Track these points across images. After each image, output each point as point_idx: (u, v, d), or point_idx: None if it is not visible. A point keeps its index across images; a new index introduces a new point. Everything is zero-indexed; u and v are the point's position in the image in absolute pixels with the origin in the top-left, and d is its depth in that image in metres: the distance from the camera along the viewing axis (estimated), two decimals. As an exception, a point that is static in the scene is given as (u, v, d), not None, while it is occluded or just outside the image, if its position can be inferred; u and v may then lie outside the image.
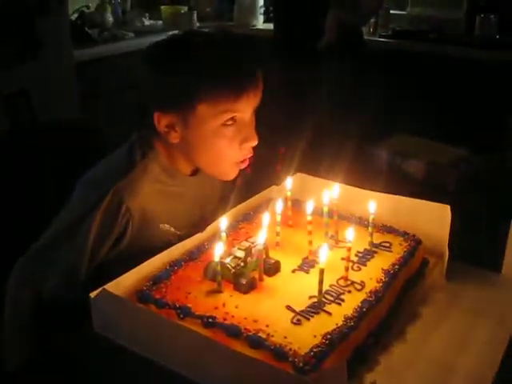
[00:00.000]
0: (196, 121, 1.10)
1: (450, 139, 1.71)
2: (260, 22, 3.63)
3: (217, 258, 0.96)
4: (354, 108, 2.92)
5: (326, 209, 1.14)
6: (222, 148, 1.13)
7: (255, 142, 1.14)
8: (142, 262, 1.00)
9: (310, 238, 1.09)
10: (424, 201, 1.20)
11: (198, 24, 3.48)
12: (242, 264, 1.00)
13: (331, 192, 1.17)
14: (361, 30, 2.92)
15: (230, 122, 1.11)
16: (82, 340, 0.97)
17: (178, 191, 1.21)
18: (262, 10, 3.66)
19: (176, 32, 1.24)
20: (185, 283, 0.99)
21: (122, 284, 0.96)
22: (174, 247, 1.07)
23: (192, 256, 1.06)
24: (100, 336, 0.94)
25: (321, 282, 0.94)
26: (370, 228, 1.12)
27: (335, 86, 2.84)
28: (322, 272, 0.93)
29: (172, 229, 1.19)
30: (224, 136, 1.12)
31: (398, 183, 1.56)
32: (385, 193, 1.24)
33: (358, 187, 1.25)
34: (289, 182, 1.23)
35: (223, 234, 1.03)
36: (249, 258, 1.01)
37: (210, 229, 1.12)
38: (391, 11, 3.51)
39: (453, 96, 2.92)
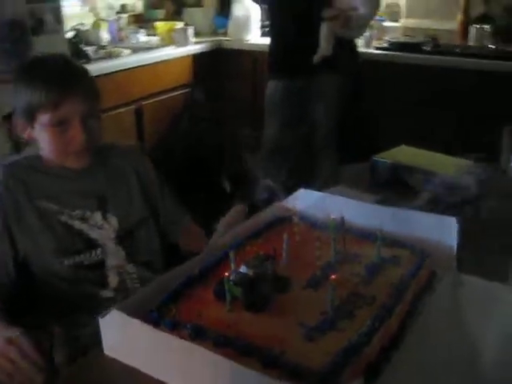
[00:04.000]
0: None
1: (450, 150, 1.71)
2: (256, 37, 3.64)
3: (226, 277, 0.96)
4: (351, 121, 2.92)
5: (332, 223, 1.14)
6: None
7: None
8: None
9: (318, 254, 1.09)
10: (430, 213, 1.20)
11: (194, 40, 3.49)
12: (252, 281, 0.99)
13: (337, 206, 1.17)
14: (355, 42, 2.94)
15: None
16: (93, 362, 0.97)
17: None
18: (258, 25, 3.67)
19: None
20: (195, 303, 0.98)
21: (132, 304, 0.95)
22: (183, 266, 1.06)
23: (202, 275, 1.05)
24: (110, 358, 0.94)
25: (332, 298, 0.94)
26: (377, 242, 1.12)
27: (331, 99, 2.85)
28: (333, 288, 0.93)
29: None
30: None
31: (403, 195, 1.56)
32: (390, 205, 1.24)
33: (364, 200, 1.25)
34: (294, 198, 1.23)
35: (231, 252, 1.03)
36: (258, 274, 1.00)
37: (218, 246, 1.12)
38: (385, 23, 3.54)
39: (449, 106, 2.94)
